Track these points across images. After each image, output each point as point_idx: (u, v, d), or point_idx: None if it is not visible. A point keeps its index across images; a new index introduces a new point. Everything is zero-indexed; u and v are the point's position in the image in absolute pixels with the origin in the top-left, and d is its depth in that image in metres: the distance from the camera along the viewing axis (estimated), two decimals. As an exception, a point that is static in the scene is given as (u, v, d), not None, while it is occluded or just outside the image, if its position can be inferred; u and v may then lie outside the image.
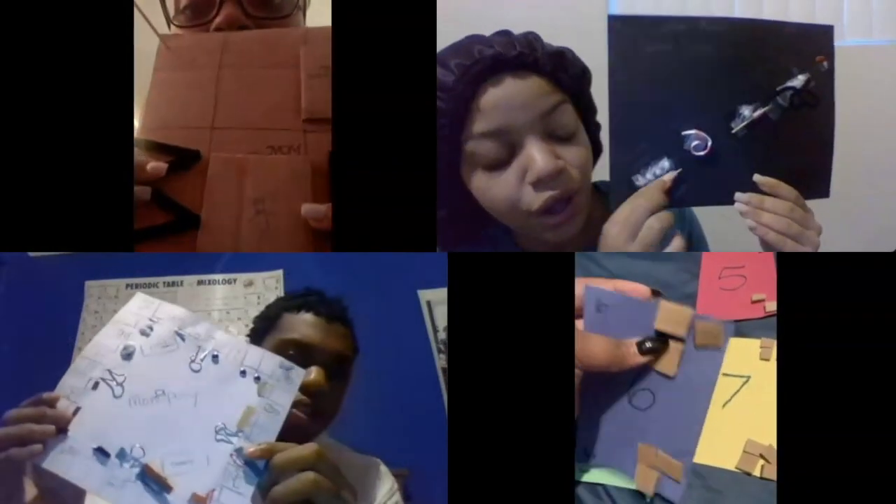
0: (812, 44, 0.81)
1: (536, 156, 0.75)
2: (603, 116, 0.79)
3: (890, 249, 0.86)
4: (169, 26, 0.93)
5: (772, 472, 0.66)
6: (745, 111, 0.79)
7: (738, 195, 0.80)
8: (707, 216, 0.95)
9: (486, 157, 0.77)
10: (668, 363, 0.67)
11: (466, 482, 0.82)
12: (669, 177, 0.78)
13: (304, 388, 0.76)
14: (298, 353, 0.78)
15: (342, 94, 0.92)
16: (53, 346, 1.50)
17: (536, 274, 0.86)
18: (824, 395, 0.80)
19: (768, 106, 0.79)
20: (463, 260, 0.85)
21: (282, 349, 0.79)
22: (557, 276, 0.87)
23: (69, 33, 0.90)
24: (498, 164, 0.77)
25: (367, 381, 1.46)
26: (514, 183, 0.77)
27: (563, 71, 0.79)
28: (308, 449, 0.59)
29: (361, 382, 1.45)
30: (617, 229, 0.78)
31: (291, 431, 0.75)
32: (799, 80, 0.79)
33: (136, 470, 0.58)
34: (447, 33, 0.94)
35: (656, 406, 0.68)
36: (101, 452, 0.58)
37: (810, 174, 0.82)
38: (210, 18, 0.88)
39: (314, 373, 0.78)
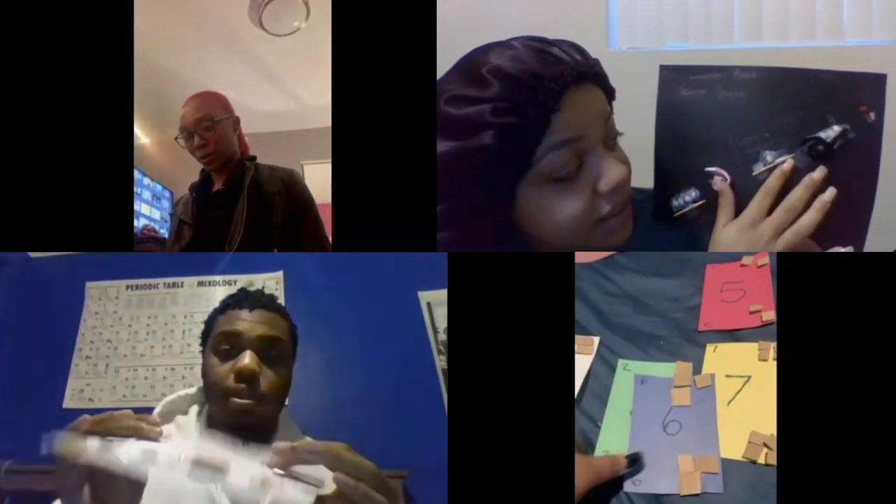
0: (858, 92, 0.77)
1: (609, 165, 0.76)
2: (650, 149, 0.86)
3: (890, 249, 0.86)
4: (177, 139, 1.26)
5: (774, 459, 0.73)
6: (769, 156, 0.80)
7: None
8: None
9: (559, 168, 0.75)
10: (684, 399, 0.85)
11: (466, 482, 0.82)
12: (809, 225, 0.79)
13: (240, 374, 0.79)
14: (229, 343, 0.82)
15: (342, 95, 0.92)
16: (53, 346, 1.50)
17: (536, 274, 0.86)
18: (824, 393, 0.80)
19: (792, 154, 0.79)
20: (463, 260, 0.85)
21: (217, 346, 0.82)
22: (557, 276, 0.87)
23: (70, 34, 0.90)
24: (567, 176, 0.76)
25: (368, 382, 1.46)
26: (586, 195, 0.76)
27: (607, 81, 0.81)
28: None
29: (362, 382, 1.46)
30: (737, 237, 0.81)
31: (241, 416, 0.78)
32: (833, 131, 0.77)
33: None
34: (447, 34, 0.94)
35: (684, 429, 0.82)
36: None
37: (841, 226, 0.80)
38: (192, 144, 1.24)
39: (247, 357, 0.80)
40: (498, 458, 0.82)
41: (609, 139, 0.78)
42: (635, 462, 0.77)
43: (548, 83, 0.73)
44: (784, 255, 0.81)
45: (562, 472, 0.79)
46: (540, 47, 0.76)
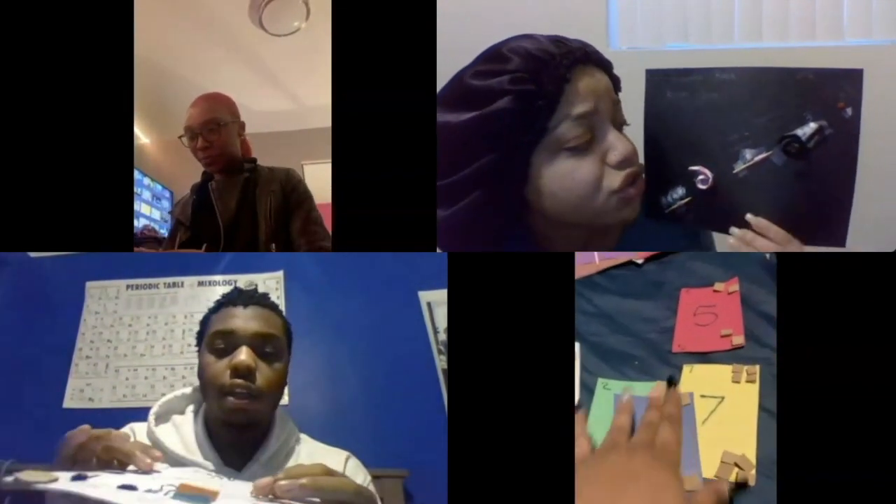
0: (835, 89, 0.77)
1: (618, 139, 0.82)
2: (639, 149, 0.88)
3: (890, 249, 0.86)
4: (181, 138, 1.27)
5: (745, 479, 0.72)
6: (748, 154, 0.83)
7: (732, 229, 0.85)
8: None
9: (574, 138, 0.81)
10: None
11: (466, 482, 0.82)
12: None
13: (237, 370, 0.79)
14: (224, 340, 0.82)
15: (342, 95, 0.92)
16: (53, 346, 1.50)
17: (536, 274, 0.86)
18: (824, 392, 0.80)
19: (770, 151, 0.81)
20: (463, 260, 0.85)
21: (212, 344, 0.82)
22: (557, 277, 0.87)
23: (70, 35, 0.90)
24: (581, 148, 0.81)
25: (368, 382, 1.46)
26: (597, 165, 0.82)
27: (612, 70, 0.86)
28: None
29: (361, 382, 1.46)
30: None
31: (238, 414, 0.78)
32: (810, 128, 0.78)
33: None
34: (447, 34, 0.94)
35: None
36: None
37: (822, 221, 0.81)
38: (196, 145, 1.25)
39: (244, 353, 0.80)
40: (498, 458, 0.82)
41: (618, 123, 0.84)
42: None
43: (559, 58, 0.81)
44: (783, 255, 0.82)
45: (561, 471, 0.79)
46: (554, 37, 0.85)
